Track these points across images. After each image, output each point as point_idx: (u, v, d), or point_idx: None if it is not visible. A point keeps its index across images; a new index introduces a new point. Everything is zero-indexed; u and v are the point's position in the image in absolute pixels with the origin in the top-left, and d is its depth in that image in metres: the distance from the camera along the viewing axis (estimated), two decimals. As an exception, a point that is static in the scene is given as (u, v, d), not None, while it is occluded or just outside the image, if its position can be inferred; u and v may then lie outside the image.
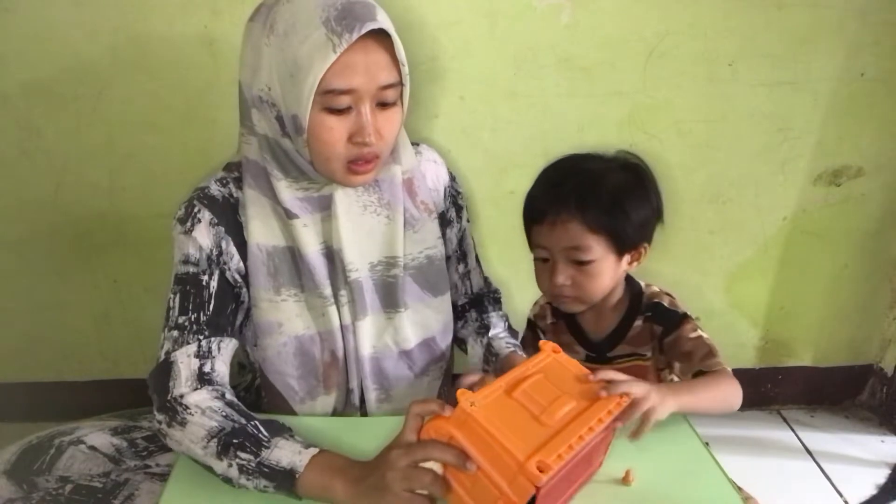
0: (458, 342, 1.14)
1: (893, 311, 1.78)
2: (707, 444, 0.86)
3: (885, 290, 1.76)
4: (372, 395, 0.99)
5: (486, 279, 1.17)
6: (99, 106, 1.44)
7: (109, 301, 1.67)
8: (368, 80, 0.82)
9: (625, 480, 0.79)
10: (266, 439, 0.78)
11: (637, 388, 0.75)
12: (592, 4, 1.39)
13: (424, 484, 0.68)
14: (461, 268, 1.12)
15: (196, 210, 0.89)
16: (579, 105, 1.48)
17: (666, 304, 1.02)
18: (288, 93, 0.82)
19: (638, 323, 1.03)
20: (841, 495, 1.55)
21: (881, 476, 1.60)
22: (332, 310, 0.94)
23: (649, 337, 1.02)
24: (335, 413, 1.00)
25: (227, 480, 0.79)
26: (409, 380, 1.02)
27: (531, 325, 1.16)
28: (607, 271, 0.98)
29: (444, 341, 1.06)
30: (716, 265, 1.69)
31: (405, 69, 0.86)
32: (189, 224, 0.89)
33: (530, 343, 1.14)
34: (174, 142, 1.47)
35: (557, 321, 1.11)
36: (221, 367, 0.89)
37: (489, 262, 1.16)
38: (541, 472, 0.61)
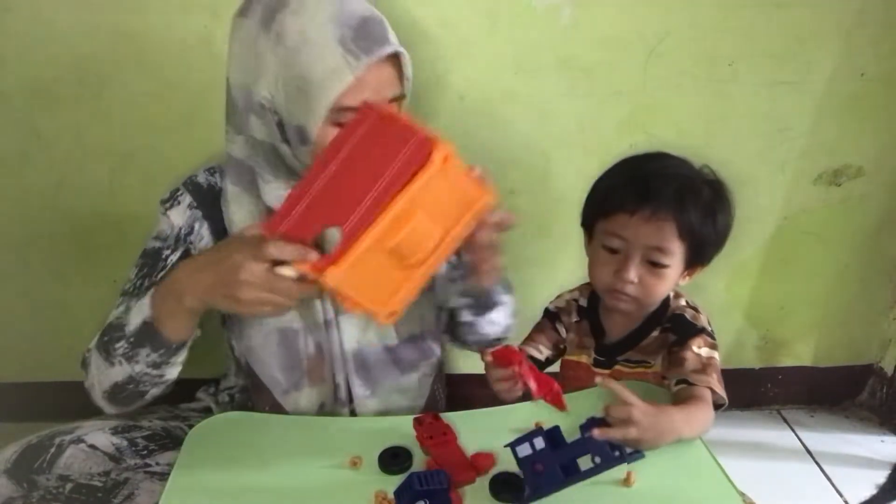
0: (454, 336, 1.12)
1: (893, 311, 1.78)
2: (707, 443, 0.86)
3: (885, 290, 1.76)
4: (359, 391, 0.99)
5: None
6: (99, 106, 1.43)
7: (109, 301, 1.66)
8: (376, 95, 0.84)
9: (626, 482, 0.79)
10: (126, 321, 0.85)
11: (635, 413, 0.77)
12: (592, 4, 1.38)
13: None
14: (455, 273, 1.11)
15: (179, 193, 0.96)
16: (579, 105, 1.48)
17: (688, 317, 1.00)
18: (295, 105, 0.83)
19: (655, 333, 1.01)
20: (841, 495, 1.55)
21: (881, 476, 1.60)
22: (318, 303, 0.95)
23: (662, 347, 1.00)
24: (324, 408, 1.00)
25: (135, 381, 0.83)
26: (397, 376, 1.02)
27: (551, 315, 1.12)
28: (672, 279, 0.96)
29: (434, 339, 1.06)
30: (716, 265, 1.68)
31: (409, 84, 0.89)
32: (168, 205, 0.95)
33: (544, 329, 1.11)
34: (174, 142, 1.47)
35: (582, 320, 1.09)
36: None
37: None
38: None
